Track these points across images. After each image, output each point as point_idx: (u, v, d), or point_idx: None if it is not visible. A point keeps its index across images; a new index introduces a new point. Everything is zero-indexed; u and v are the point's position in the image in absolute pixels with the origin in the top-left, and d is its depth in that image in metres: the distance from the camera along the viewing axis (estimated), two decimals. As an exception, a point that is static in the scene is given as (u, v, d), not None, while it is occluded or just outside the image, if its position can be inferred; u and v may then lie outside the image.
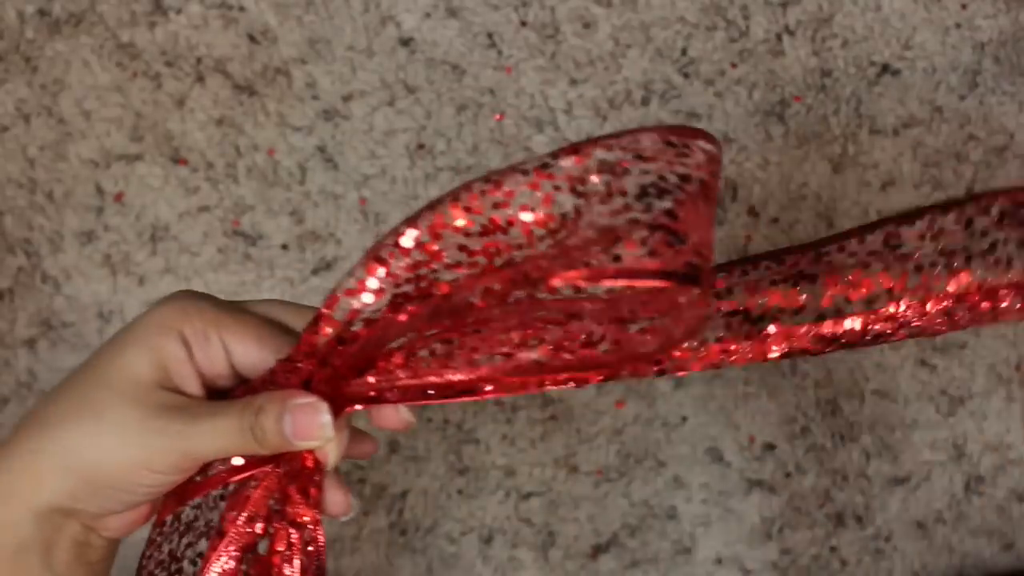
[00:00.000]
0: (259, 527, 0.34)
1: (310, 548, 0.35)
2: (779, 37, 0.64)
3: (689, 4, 0.63)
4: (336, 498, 0.35)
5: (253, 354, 0.33)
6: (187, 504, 0.36)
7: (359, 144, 0.63)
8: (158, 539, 0.37)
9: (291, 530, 0.35)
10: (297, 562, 0.35)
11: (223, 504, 0.35)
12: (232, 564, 0.34)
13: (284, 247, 0.64)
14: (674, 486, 0.69)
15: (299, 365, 0.32)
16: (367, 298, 0.30)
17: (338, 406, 0.33)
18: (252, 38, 0.62)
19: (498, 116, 0.64)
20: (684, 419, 0.68)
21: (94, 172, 0.62)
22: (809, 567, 0.71)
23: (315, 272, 0.64)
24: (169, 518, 0.36)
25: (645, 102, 0.65)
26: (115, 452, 0.32)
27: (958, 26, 0.65)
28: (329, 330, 0.31)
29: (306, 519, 0.35)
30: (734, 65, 0.65)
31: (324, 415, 0.32)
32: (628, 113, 0.65)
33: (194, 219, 0.63)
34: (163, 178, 0.62)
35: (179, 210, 0.63)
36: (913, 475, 0.70)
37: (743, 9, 0.64)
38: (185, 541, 0.36)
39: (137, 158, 0.62)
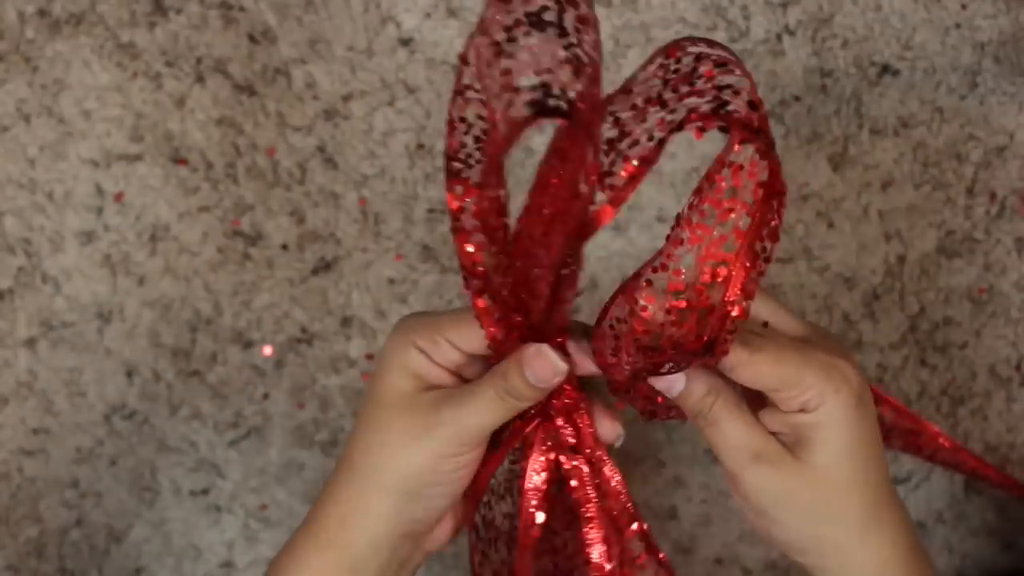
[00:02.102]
0: (545, 477, 0.41)
1: (604, 472, 0.41)
2: (779, 37, 0.64)
3: (689, 4, 0.63)
4: (605, 427, 0.42)
5: (474, 337, 0.39)
6: (481, 499, 0.42)
7: (359, 144, 0.63)
8: (480, 545, 0.43)
9: (575, 462, 0.41)
10: (591, 491, 0.41)
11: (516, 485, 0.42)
12: (542, 517, 0.40)
13: (284, 247, 0.64)
14: (674, 486, 0.69)
15: (510, 331, 0.37)
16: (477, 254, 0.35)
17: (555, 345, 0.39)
18: (252, 38, 0.62)
19: (498, 116, 0.64)
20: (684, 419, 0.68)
21: (94, 172, 0.62)
22: (809, 567, 0.71)
23: (315, 272, 0.64)
24: (479, 520, 0.43)
25: (645, 102, 0.65)
26: (413, 455, 0.39)
27: (958, 26, 0.65)
28: (479, 299, 0.36)
29: (587, 450, 0.41)
30: (734, 65, 0.65)
31: (550, 354, 0.37)
32: (628, 113, 0.65)
33: (194, 219, 0.63)
34: (163, 178, 0.62)
35: (179, 210, 0.63)
36: (913, 475, 0.70)
37: (743, 9, 0.64)
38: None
39: (137, 158, 0.62)
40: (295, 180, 0.63)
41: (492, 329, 0.38)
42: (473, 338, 0.39)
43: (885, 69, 0.65)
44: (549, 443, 0.41)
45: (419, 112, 0.63)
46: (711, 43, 0.35)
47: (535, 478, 0.40)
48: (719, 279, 0.34)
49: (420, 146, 0.64)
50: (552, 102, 0.30)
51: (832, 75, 0.65)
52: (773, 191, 0.33)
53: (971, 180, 0.67)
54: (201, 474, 0.66)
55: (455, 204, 0.34)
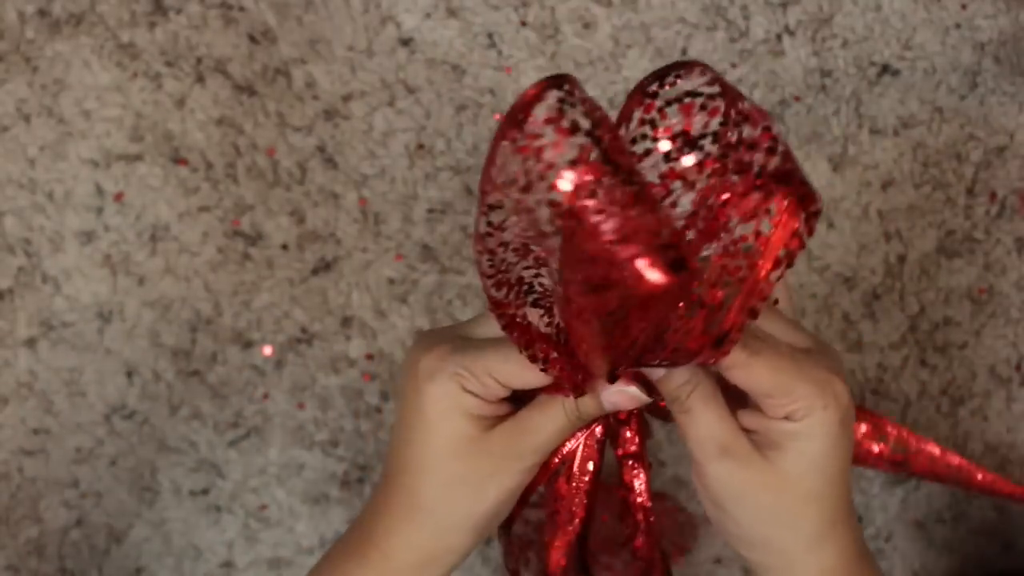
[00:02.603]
0: (590, 465, 0.43)
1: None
2: (779, 37, 0.64)
3: (689, 4, 0.63)
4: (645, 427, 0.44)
5: (524, 374, 0.39)
6: (528, 502, 0.43)
7: (359, 144, 0.63)
8: (513, 546, 0.46)
9: (637, 468, 0.43)
10: (647, 494, 0.43)
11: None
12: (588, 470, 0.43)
13: (284, 247, 0.64)
14: (674, 486, 0.69)
15: (552, 362, 0.38)
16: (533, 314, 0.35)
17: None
18: (252, 38, 0.62)
19: (498, 116, 0.64)
20: (684, 419, 0.68)
21: (94, 172, 0.62)
22: (809, 567, 0.71)
23: (315, 272, 0.64)
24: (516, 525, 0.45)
25: (645, 102, 0.65)
26: (495, 491, 0.40)
27: (958, 26, 0.65)
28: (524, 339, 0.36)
29: (632, 449, 0.43)
30: (734, 65, 0.65)
31: (633, 392, 0.39)
32: (628, 113, 0.65)
33: (194, 219, 0.63)
34: (163, 178, 0.62)
35: (179, 210, 0.63)
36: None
37: (743, 9, 0.64)
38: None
39: (137, 158, 0.62)
40: (295, 180, 0.63)
41: (557, 372, 0.38)
42: (523, 375, 0.39)
43: (885, 69, 0.65)
44: (595, 445, 0.42)
45: (419, 112, 0.63)
46: (660, 81, 0.34)
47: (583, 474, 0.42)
48: (735, 278, 0.33)
49: (420, 146, 0.64)
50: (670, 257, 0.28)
51: (832, 75, 0.65)
52: (803, 208, 0.32)
53: (971, 180, 0.67)
54: (201, 474, 0.66)
55: (507, 328, 0.35)
